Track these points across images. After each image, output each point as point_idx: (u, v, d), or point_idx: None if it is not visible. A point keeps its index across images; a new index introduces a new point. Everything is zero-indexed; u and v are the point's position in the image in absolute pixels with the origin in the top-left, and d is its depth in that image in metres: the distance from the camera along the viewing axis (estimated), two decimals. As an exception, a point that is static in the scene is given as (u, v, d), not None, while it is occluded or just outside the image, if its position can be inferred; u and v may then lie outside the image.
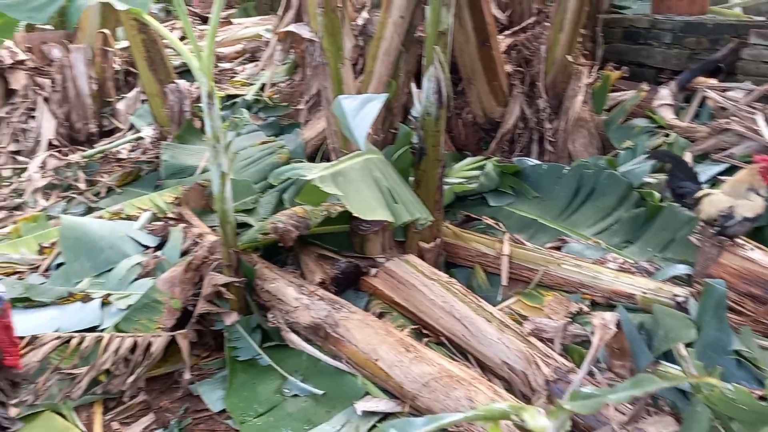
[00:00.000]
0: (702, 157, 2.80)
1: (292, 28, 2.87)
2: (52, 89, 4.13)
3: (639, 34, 3.88)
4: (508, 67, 3.69)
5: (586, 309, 2.19)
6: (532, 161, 3.15)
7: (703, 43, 3.49)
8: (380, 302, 2.32)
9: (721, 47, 3.38)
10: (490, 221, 2.81)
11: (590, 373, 1.80)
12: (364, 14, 4.19)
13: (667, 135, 3.05)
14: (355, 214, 1.76)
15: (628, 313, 1.94)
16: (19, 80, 4.04)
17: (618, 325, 1.80)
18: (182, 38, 5.70)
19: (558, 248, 2.56)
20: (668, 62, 3.68)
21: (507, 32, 3.98)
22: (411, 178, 2.70)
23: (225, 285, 2.12)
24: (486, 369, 1.96)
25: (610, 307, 2.11)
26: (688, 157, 2.71)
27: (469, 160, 3.49)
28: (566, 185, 2.85)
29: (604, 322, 1.76)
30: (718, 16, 3.88)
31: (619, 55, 3.87)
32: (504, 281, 2.43)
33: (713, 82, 3.31)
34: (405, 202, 2.16)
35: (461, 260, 2.63)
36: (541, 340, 1.97)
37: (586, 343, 2.00)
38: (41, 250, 2.62)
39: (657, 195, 2.58)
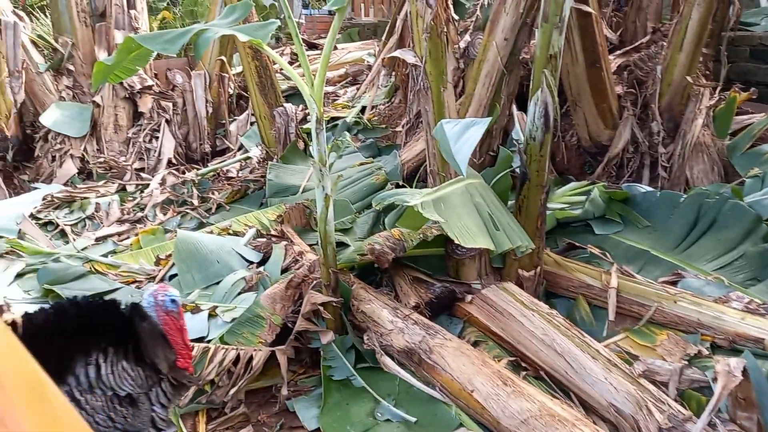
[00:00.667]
0: None
1: (397, 53, 2.92)
2: (174, 112, 4.50)
3: (770, 53, 3.55)
4: (619, 89, 3.51)
5: (706, 352, 1.99)
6: (644, 188, 2.94)
7: None
8: (475, 330, 2.26)
9: None
10: (596, 250, 2.65)
11: (711, 424, 1.63)
12: (467, 37, 4.19)
13: (803, 163, 2.74)
14: (456, 242, 1.73)
15: (756, 360, 1.74)
16: (146, 104, 4.44)
17: (744, 372, 1.62)
18: (291, 63, 6.03)
19: (673, 283, 2.36)
20: (804, 83, 3.33)
21: (618, 52, 3.80)
22: (511, 202, 2.63)
23: (323, 304, 2.16)
24: (590, 410, 1.84)
25: (735, 352, 1.92)
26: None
27: (573, 184, 3.34)
28: (683, 215, 2.63)
29: (728, 368, 1.60)
30: None
31: (746, 76, 3.55)
32: (611, 316, 2.27)
33: None
34: (505, 228, 2.10)
35: (563, 290, 2.50)
36: (654, 383, 1.81)
37: (705, 389, 1.83)
38: (158, 261, 2.82)
39: (790, 229, 2.31)
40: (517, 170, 2.47)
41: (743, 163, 2.97)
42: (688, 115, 3.06)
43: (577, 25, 3.12)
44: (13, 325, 1.29)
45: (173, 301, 1.42)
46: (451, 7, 4.00)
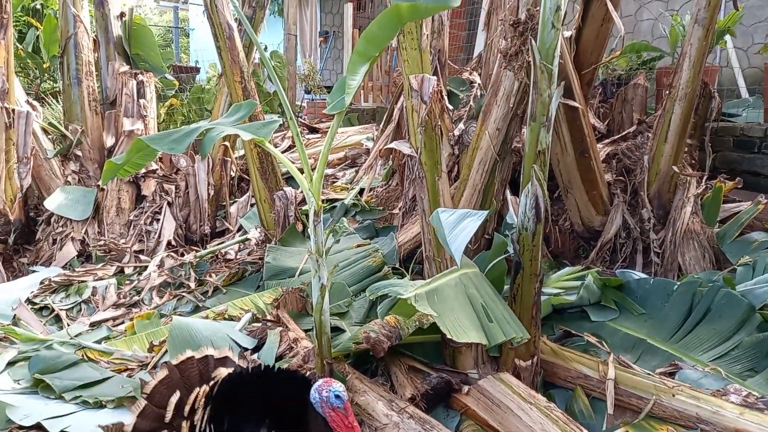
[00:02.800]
0: (837, 280, 2.51)
1: (393, 145, 3.04)
2: (176, 194, 4.60)
3: (752, 142, 3.70)
4: (608, 176, 3.63)
5: (707, 449, 1.94)
6: (638, 274, 2.98)
7: (827, 153, 3.27)
8: (472, 423, 2.21)
9: None
10: (592, 339, 2.64)
11: None
12: (461, 125, 4.37)
13: (792, 252, 2.79)
14: (449, 336, 1.73)
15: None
16: (149, 187, 4.55)
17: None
18: (292, 146, 6.22)
19: (671, 374, 2.34)
20: (788, 172, 3.45)
21: (606, 141, 3.95)
22: (506, 287, 2.65)
23: (317, 396, 2.12)
24: None
25: (736, 450, 1.87)
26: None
27: (567, 270, 3.37)
28: (677, 303, 2.65)
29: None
30: (841, 125, 3.64)
31: (731, 165, 3.69)
32: (609, 409, 2.23)
33: (842, 194, 3.04)
34: (499, 319, 2.11)
35: (560, 381, 2.47)
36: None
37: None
38: (151, 348, 2.80)
39: (785, 320, 2.32)
40: (512, 255, 2.51)
41: (733, 250, 3.02)
42: (676, 203, 3.15)
43: (565, 117, 3.27)
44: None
45: (338, 396, 1.42)
46: (445, 98, 4.21)
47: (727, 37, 4.35)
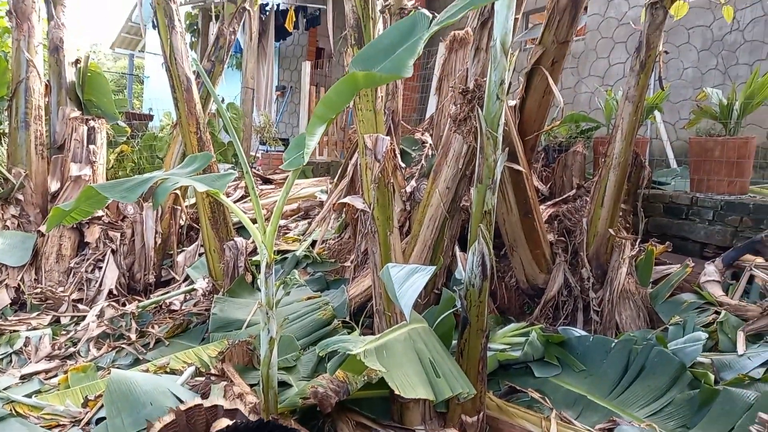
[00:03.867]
0: (756, 337, 2.70)
1: (347, 200, 3.12)
2: (121, 242, 4.48)
3: (680, 209, 3.98)
4: (551, 236, 3.81)
5: (644, 506, 2.00)
6: (578, 332, 3.09)
7: (746, 221, 3.55)
8: (419, 481, 2.20)
9: (765, 226, 3.42)
10: (536, 394, 2.70)
11: None
12: (413, 182, 4.51)
13: (717, 312, 2.98)
14: (397, 392, 1.76)
15: None
16: (93, 234, 4.42)
17: None
18: (245, 196, 6.20)
19: (610, 430, 2.41)
20: (712, 238, 3.72)
21: (549, 203, 4.17)
22: (454, 341, 2.70)
23: (261, 454, 2.07)
24: None
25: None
26: (740, 338, 2.62)
27: (512, 326, 3.46)
28: (615, 360, 2.76)
29: None
30: (758, 196, 3.97)
31: (662, 229, 3.95)
32: (552, 466, 2.28)
33: (760, 260, 3.29)
34: (447, 374, 2.14)
35: (506, 437, 2.50)
36: None
37: None
38: (86, 403, 2.66)
39: (711, 376, 2.46)
40: (459, 310, 2.58)
41: (665, 310, 3.20)
42: (613, 264, 3.33)
43: (510, 180, 3.45)
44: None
45: None
46: (398, 156, 4.36)
47: (656, 112, 4.74)
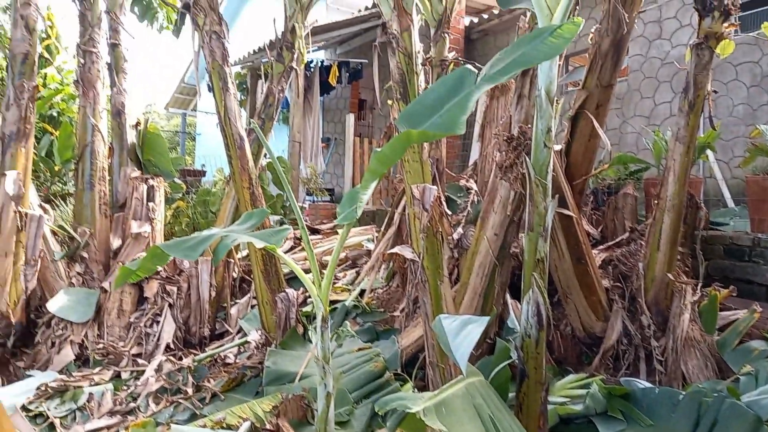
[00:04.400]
0: (841, 389, 2.51)
1: (396, 249, 3.15)
2: (178, 296, 4.62)
3: (742, 251, 3.82)
4: (606, 282, 3.70)
5: None
6: (643, 383, 2.95)
7: (815, 261, 3.38)
8: None
9: (836, 266, 3.24)
10: (601, 451, 2.58)
11: None
12: (459, 229, 4.51)
13: (793, 361, 2.80)
14: (458, 450, 1.72)
15: None
16: (152, 288, 4.58)
17: None
18: (294, 246, 6.33)
19: (684, 491, 2.27)
20: (779, 280, 3.55)
21: (601, 247, 4.07)
22: (511, 394, 2.62)
23: None
24: None
25: None
26: (825, 390, 2.44)
27: (571, 377, 3.34)
28: (684, 414, 2.61)
29: None
30: (825, 234, 3.79)
31: (724, 272, 3.79)
32: None
33: (835, 302, 3.10)
34: (507, 430, 2.08)
35: (571, 497, 2.39)
36: None
37: None
38: (147, 458, 2.70)
39: (794, 433, 2.30)
40: (516, 361, 2.52)
41: (735, 359, 3.03)
42: (674, 310, 3.19)
43: (561, 225, 3.41)
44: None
45: None
46: (444, 204, 4.39)
47: (709, 152, 4.63)
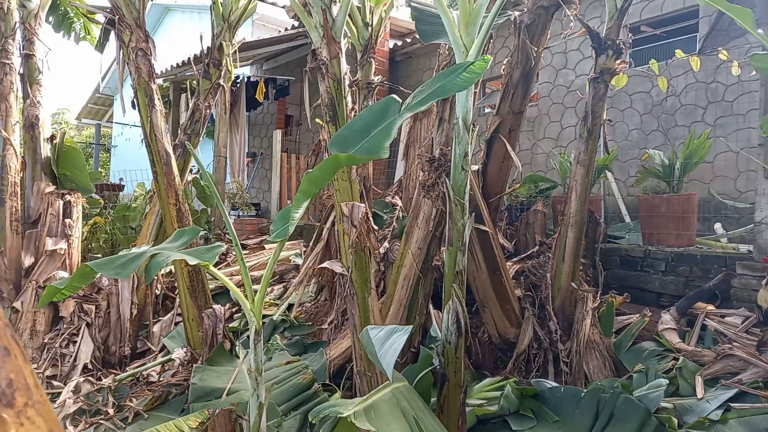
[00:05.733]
0: (713, 381, 2.90)
1: (326, 264, 3.26)
2: (96, 314, 4.47)
3: (635, 262, 4.27)
4: (518, 291, 4.01)
5: None
6: (550, 383, 3.24)
7: (696, 271, 3.84)
8: None
9: (713, 275, 3.71)
10: (513, 449, 2.82)
11: None
12: (386, 244, 4.70)
13: (675, 359, 3.19)
14: (385, 448, 1.87)
15: None
16: (68, 307, 4.40)
17: None
18: (220, 261, 6.26)
19: (585, 478, 2.54)
20: (666, 287, 3.99)
21: (514, 259, 4.40)
22: (433, 399, 2.81)
23: None
24: None
25: None
26: (699, 382, 2.81)
27: (488, 380, 3.59)
28: (585, 410, 2.91)
29: None
30: (705, 248, 4.30)
31: (620, 281, 4.21)
32: None
33: (711, 307, 3.55)
34: (430, 431, 2.25)
35: (487, 492, 2.59)
36: None
37: None
38: (69, 481, 2.64)
39: (675, 420, 2.63)
40: (438, 367, 2.71)
41: (629, 358, 3.40)
42: (578, 316, 3.53)
43: (478, 239, 3.67)
44: None
45: None
46: (371, 219, 4.57)
47: (608, 172, 5.12)
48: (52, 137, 5.28)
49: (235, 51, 5.32)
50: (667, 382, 2.91)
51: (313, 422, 2.77)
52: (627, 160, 6.40)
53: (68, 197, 4.86)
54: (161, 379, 4.07)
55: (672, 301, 3.79)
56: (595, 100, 3.49)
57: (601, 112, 3.50)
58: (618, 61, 3.49)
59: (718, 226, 5.00)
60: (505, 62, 3.76)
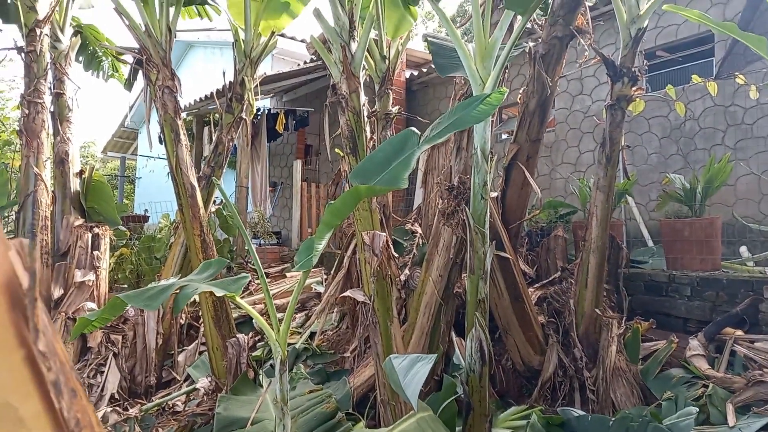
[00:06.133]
0: (744, 409, 2.84)
1: (348, 293, 3.30)
2: (123, 345, 4.55)
3: (660, 287, 4.21)
4: (541, 318, 3.98)
5: None
6: (577, 412, 3.19)
7: (722, 296, 3.77)
8: None
9: (740, 300, 3.64)
10: (542, 478, 2.77)
11: None
12: (407, 271, 4.72)
13: (705, 386, 3.13)
14: (412, 477, 1.87)
15: None
16: (96, 338, 4.49)
17: None
18: (245, 289, 6.33)
19: None
20: (692, 313, 3.93)
21: (536, 285, 4.38)
22: (458, 428, 2.79)
23: None
24: None
25: None
26: (730, 410, 2.76)
27: (513, 409, 3.55)
28: (614, 439, 2.86)
29: None
30: (731, 272, 4.24)
31: (645, 306, 4.15)
32: None
33: (740, 333, 3.49)
34: (456, 461, 2.25)
35: None
36: None
37: None
38: None
39: (707, 450, 2.58)
40: (462, 396, 2.70)
41: (657, 386, 3.34)
42: (603, 343, 3.49)
43: (499, 266, 3.68)
44: None
45: None
46: (391, 247, 4.60)
47: (628, 196, 5.10)
48: (81, 172, 5.46)
49: (256, 85, 5.48)
50: (697, 410, 2.85)
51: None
52: (647, 184, 6.36)
53: (96, 230, 5.00)
54: (186, 408, 4.10)
55: (699, 326, 3.72)
56: (613, 127, 3.51)
57: (619, 138, 3.52)
58: (634, 88, 3.52)
59: (743, 249, 4.93)
60: (521, 90, 3.82)
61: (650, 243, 5.77)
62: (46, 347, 0.44)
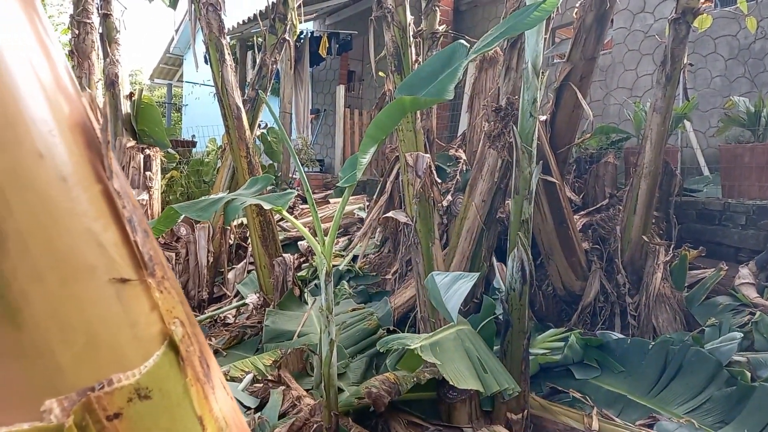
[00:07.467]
0: (793, 336, 2.79)
1: (391, 214, 3.33)
2: (176, 261, 4.78)
3: (713, 215, 4.07)
4: (585, 245, 3.94)
5: (685, 493, 2.12)
6: (616, 335, 3.22)
7: (778, 224, 3.63)
8: (470, 474, 2.36)
9: (798, 228, 3.50)
10: (577, 394, 2.84)
11: None
12: (449, 197, 4.71)
13: (752, 313, 3.07)
14: (450, 383, 1.94)
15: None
16: (152, 253, 4.73)
17: None
18: (281, 219, 6.49)
19: (650, 426, 2.54)
20: (745, 242, 3.80)
21: (582, 213, 4.30)
22: (496, 347, 2.86)
23: (325, 447, 2.27)
24: None
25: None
26: (777, 336, 2.71)
27: (551, 331, 3.60)
28: (653, 361, 2.88)
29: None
30: (790, 199, 4.04)
31: (695, 235, 4.04)
32: (595, 458, 2.41)
33: (794, 261, 3.37)
34: (493, 372, 2.31)
35: (549, 434, 2.65)
36: None
37: None
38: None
39: (748, 374, 2.56)
40: (500, 317, 2.75)
41: (701, 313, 3.30)
42: (648, 269, 3.44)
43: (545, 191, 3.62)
44: None
45: None
46: (435, 172, 4.58)
47: (686, 122, 4.85)
48: (131, 94, 5.56)
49: (300, 5, 5.35)
50: (742, 335, 2.82)
51: (381, 352, 2.90)
52: (708, 110, 6.00)
53: (148, 151, 5.15)
54: (237, 321, 4.34)
55: (751, 256, 3.61)
56: (676, 43, 3.29)
57: (682, 55, 3.30)
58: (702, 0, 3.26)
59: (808, 179, 4.66)
60: (577, 5, 3.59)
61: (706, 172, 5.53)
62: (120, 187, 0.46)
